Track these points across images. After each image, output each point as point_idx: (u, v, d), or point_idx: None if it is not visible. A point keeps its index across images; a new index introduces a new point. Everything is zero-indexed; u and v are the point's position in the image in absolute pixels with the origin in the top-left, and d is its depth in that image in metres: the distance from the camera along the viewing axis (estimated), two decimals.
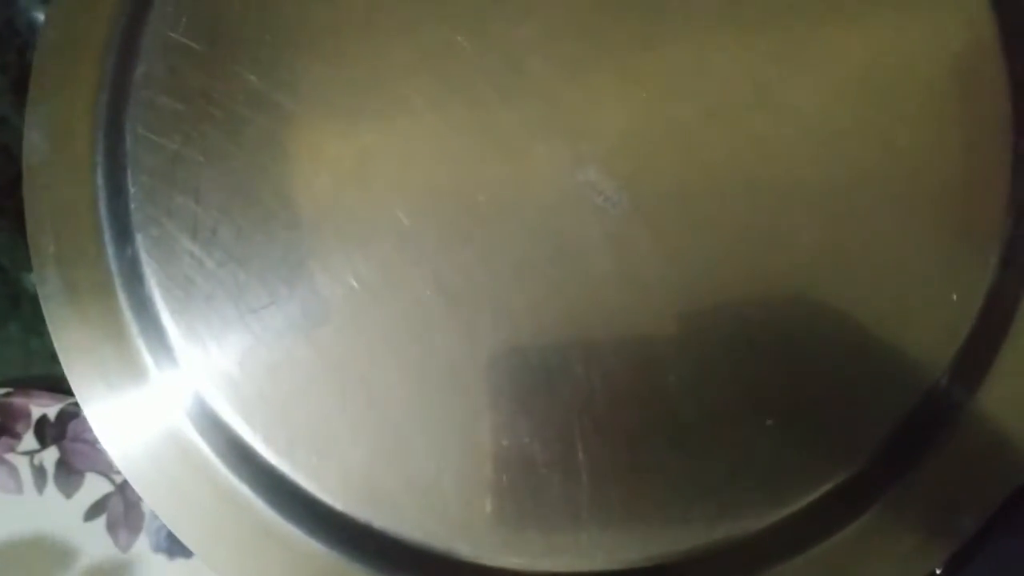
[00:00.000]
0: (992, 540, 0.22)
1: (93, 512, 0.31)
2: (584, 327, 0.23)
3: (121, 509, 0.31)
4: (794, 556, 0.22)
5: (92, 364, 0.24)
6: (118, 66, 0.25)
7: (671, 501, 0.22)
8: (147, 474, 0.24)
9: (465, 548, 0.23)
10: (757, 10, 0.23)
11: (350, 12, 0.24)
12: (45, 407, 0.31)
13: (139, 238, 0.24)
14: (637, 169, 0.23)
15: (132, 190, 0.24)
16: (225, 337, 0.23)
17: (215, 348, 0.23)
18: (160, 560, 0.30)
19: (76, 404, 0.29)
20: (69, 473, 0.31)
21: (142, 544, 0.30)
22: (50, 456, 0.31)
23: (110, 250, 0.24)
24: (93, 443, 0.31)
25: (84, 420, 0.30)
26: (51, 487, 0.31)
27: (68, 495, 0.31)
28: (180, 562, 0.30)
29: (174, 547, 0.30)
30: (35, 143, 0.25)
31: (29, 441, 0.31)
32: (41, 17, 0.30)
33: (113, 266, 0.24)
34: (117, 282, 0.24)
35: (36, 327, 0.31)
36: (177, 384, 0.24)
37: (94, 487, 0.31)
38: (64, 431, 0.31)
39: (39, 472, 0.31)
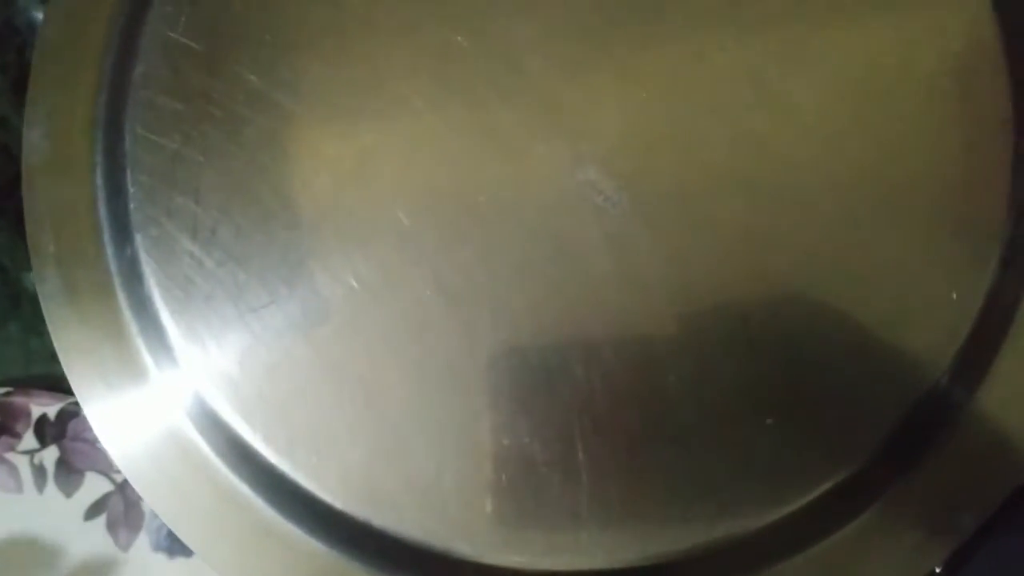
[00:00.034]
0: (992, 539, 0.22)
1: (93, 511, 0.31)
2: (584, 326, 0.23)
3: (121, 508, 0.31)
4: (794, 555, 0.22)
5: (92, 364, 0.24)
6: (117, 66, 0.25)
7: (671, 500, 0.22)
8: (147, 473, 0.24)
9: (465, 547, 0.23)
10: (757, 10, 0.23)
11: (350, 12, 0.24)
12: (45, 406, 0.31)
13: (139, 238, 0.24)
14: (637, 169, 0.23)
15: (131, 190, 0.24)
16: (225, 337, 0.23)
17: (215, 348, 0.23)
18: (160, 559, 0.30)
19: (76, 403, 0.29)
20: (69, 472, 0.31)
21: (142, 543, 0.31)
22: (50, 455, 0.31)
23: (109, 250, 0.24)
24: (93, 442, 0.31)
25: (84, 419, 0.30)
26: (51, 486, 0.31)
27: (68, 494, 0.31)
28: (180, 561, 0.30)
29: (174, 546, 0.30)
30: (34, 143, 0.25)
31: (29, 440, 0.31)
32: (40, 16, 0.30)
33: (113, 266, 0.24)
34: (117, 282, 0.24)
35: (36, 327, 0.31)
36: (177, 383, 0.24)
37: (94, 486, 0.31)
38: (64, 430, 0.31)
39: (39, 471, 0.31)
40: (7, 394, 0.31)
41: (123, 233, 0.24)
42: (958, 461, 0.23)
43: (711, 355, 0.22)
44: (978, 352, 0.23)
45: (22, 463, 0.31)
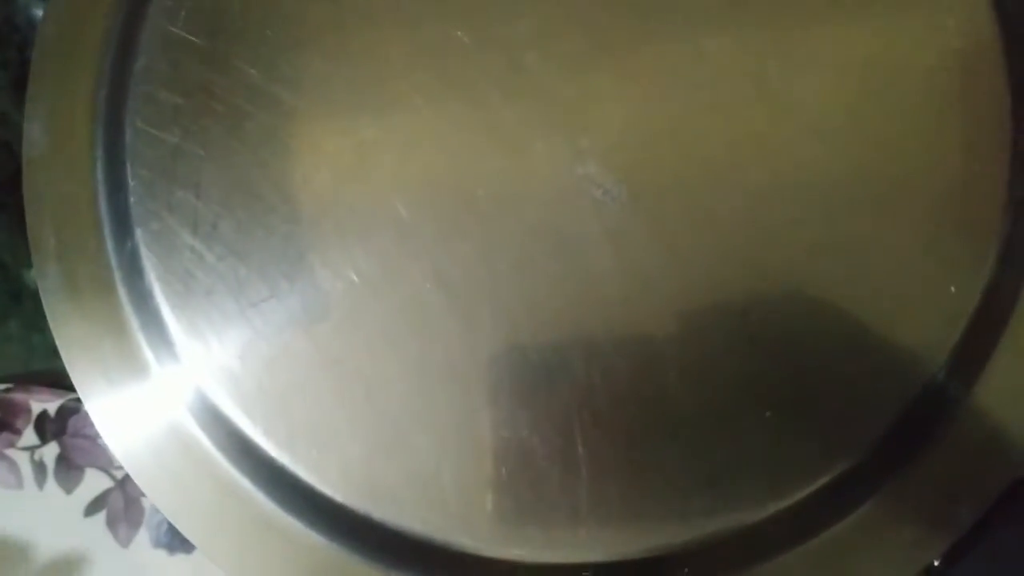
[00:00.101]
0: (990, 532, 0.23)
1: (93, 508, 0.31)
2: (583, 320, 0.23)
3: (121, 504, 0.31)
4: (792, 548, 0.22)
5: (93, 359, 0.24)
6: (117, 60, 0.25)
7: (670, 494, 0.22)
8: (148, 468, 0.24)
9: (465, 540, 0.23)
10: (757, 7, 0.23)
11: (350, 7, 0.24)
12: (45, 403, 0.31)
13: (139, 232, 0.24)
14: (636, 163, 0.23)
15: (132, 184, 0.24)
16: (225, 331, 0.23)
17: (215, 342, 0.23)
18: (160, 555, 0.30)
19: (76, 400, 0.29)
20: (69, 469, 0.31)
21: (142, 539, 0.31)
22: (50, 452, 0.31)
23: (110, 244, 0.24)
24: (93, 439, 0.31)
25: (84, 416, 0.30)
26: (51, 483, 0.31)
27: (68, 491, 0.31)
28: (180, 557, 0.30)
29: (174, 542, 0.30)
30: (35, 138, 0.25)
31: (29, 437, 0.31)
32: (40, 13, 0.30)
33: (113, 260, 0.24)
34: (117, 276, 0.24)
35: (37, 323, 0.31)
36: (178, 378, 0.24)
37: (94, 483, 0.31)
38: (64, 427, 0.31)
39: (39, 468, 0.31)
40: (7, 390, 0.31)
41: (124, 228, 0.24)
42: (955, 455, 0.23)
43: (710, 349, 0.22)
44: (975, 347, 0.23)
45: (22, 459, 0.31)
